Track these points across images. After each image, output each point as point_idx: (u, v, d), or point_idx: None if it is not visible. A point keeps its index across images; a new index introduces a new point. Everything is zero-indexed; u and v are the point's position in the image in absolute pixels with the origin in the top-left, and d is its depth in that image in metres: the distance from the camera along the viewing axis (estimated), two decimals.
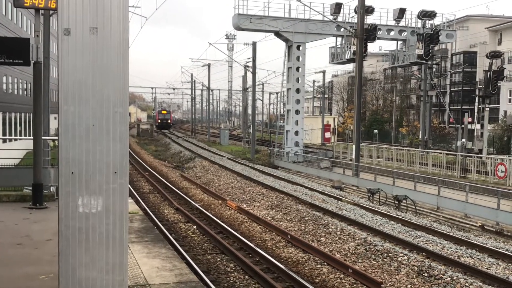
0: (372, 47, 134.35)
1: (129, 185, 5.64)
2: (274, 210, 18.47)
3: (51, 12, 15.05)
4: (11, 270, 7.46)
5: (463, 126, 38.73)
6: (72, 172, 4.73)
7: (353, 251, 12.92)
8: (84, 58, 4.71)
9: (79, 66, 4.71)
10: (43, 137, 12.81)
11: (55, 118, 31.82)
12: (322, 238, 14.39)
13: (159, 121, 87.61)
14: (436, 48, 43.22)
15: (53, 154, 14.76)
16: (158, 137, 68.25)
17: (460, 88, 71.20)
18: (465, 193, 20.82)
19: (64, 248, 4.74)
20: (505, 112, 56.90)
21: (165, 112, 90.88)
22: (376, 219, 17.19)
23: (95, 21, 4.72)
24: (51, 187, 13.43)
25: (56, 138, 5.98)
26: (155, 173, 28.41)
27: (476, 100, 53.38)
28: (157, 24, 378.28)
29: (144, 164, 32.90)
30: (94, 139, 4.77)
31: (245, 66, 55.01)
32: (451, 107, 68.79)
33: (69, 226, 4.74)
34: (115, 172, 4.83)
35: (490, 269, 11.75)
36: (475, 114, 53.03)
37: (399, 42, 42.55)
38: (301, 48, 38.96)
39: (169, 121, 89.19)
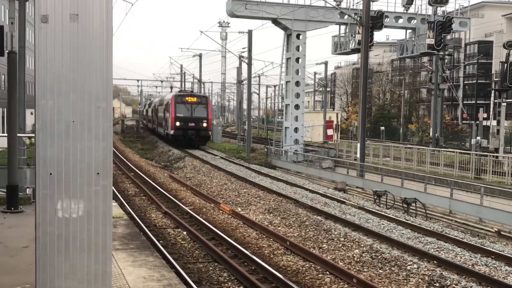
0: (379, 36, 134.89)
1: (112, 187, 5.61)
2: (271, 214, 18.50)
3: None
4: None
5: (477, 122, 38.74)
6: (51, 173, 4.71)
7: (358, 259, 12.95)
8: (63, 47, 4.70)
9: (58, 56, 4.69)
10: (18, 134, 12.79)
11: (31, 114, 31.70)
12: (324, 245, 14.42)
13: (177, 123, 42.40)
14: (449, 37, 43.31)
15: (29, 153, 14.75)
16: (144, 134, 68.16)
17: (475, 81, 71.42)
18: (479, 196, 20.88)
19: (42, 256, 4.73)
20: None
21: (193, 99, 43.65)
22: (383, 224, 17.24)
23: (75, 7, 4.70)
24: (27, 189, 13.41)
25: (33, 135, 5.97)
26: (141, 174, 28.39)
27: (492, 94, 53.57)
28: (143, 10, 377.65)
29: (129, 164, 32.87)
30: (75, 137, 4.76)
31: (240, 57, 55.05)
32: (464, 102, 69.02)
33: (47, 232, 4.72)
34: (98, 173, 4.82)
35: (507, 279, 11.79)
36: (491, 109, 53.20)
37: (408, 31, 42.60)
38: (301, 37, 38.95)
39: (204, 123, 43.22)
